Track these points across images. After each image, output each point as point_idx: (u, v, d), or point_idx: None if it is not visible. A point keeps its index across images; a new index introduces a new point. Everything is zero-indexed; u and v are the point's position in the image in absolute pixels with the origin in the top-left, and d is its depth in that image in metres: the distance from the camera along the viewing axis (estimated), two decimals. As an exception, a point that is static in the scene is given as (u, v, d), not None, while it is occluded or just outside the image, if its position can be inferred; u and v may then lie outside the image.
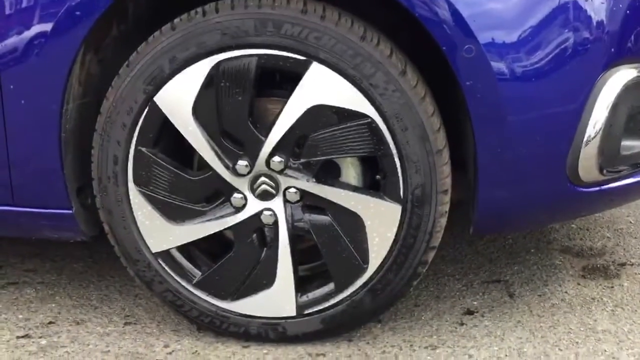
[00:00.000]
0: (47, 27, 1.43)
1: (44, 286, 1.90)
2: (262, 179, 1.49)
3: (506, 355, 1.53)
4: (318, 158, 1.45)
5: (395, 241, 1.46)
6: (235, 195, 1.50)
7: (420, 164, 1.42)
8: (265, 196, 1.49)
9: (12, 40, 1.45)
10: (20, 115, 1.50)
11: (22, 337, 1.65)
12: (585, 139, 1.45)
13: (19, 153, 1.54)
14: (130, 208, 1.52)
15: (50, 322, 1.71)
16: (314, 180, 1.46)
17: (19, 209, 1.59)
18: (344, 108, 1.41)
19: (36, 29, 1.44)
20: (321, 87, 1.40)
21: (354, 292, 1.50)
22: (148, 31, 1.47)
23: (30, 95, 1.48)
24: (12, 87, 1.48)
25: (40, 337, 1.65)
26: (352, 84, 1.39)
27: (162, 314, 1.73)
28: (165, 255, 1.55)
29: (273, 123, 1.44)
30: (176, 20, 1.43)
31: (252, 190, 1.50)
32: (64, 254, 2.06)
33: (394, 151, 1.41)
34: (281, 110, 1.43)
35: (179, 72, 1.43)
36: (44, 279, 1.94)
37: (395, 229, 1.45)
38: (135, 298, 1.82)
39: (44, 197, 1.58)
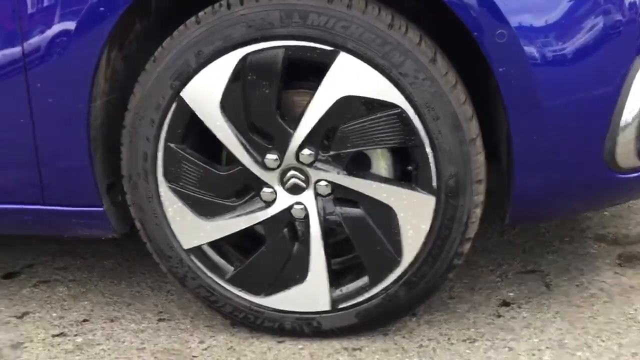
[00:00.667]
0: (72, 24, 1.38)
1: (76, 284, 1.87)
2: (292, 172, 1.43)
3: (547, 347, 1.46)
4: (348, 150, 1.38)
5: (429, 233, 1.39)
6: (265, 189, 1.45)
7: (453, 154, 1.34)
8: (295, 190, 1.44)
9: (38, 39, 1.40)
10: (49, 114, 1.46)
11: (58, 335, 1.62)
12: (622, 124, 1.37)
13: (49, 152, 1.50)
14: (161, 204, 1.47)
15: (84, 320, 1.68)
16: (345, 172, 1.40)
17: (50, 207, 1.56)
18: (373, 98, 1.34)
19: (61, 26, 1.39)
20: (349, 77, 1.34)
21: (388, 285, 1.44)
22: (171, 25, 1.42)
23: (58, 93, 1.44)
24: (39, 85, 1.44)
25: (75, 335, 1.61)
26: (381, 73, 1.32)
27: (195, 309, 1.68)
28: (197, 251, 1.50)
29: (301, 115, 1.38)
30: (201, 14, 1.38)
31: (282, 184, 1.44)
32: (94, 252, 2.02)
33: (426, 141, 1.34)
34: (309, 102, 1.37)
35: (205, 66, 1.37)
36: (76, 276, 1.91)
37: (429, 221, 1.38)
38: (168, 294, 1.78)
39: (75, 195, 1.53)
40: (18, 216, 1.58)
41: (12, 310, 1.74)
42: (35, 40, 1.41)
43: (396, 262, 1.42)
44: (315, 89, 1.38)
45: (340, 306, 1.47)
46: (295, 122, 1.39)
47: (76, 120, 1.46)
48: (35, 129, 1.48)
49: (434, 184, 1.37)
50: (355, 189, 1.41)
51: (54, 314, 1.72)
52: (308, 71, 1.43)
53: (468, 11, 1.29)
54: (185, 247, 1.50)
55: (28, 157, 1.50)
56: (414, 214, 1.39)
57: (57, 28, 1.39)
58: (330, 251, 1.47)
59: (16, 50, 1.43)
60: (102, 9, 1.37)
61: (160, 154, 1.45)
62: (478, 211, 1.40)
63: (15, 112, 1.47)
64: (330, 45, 1.33)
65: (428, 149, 1.35)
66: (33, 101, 1.46)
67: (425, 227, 1.39)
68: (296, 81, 1.43)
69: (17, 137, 1.49)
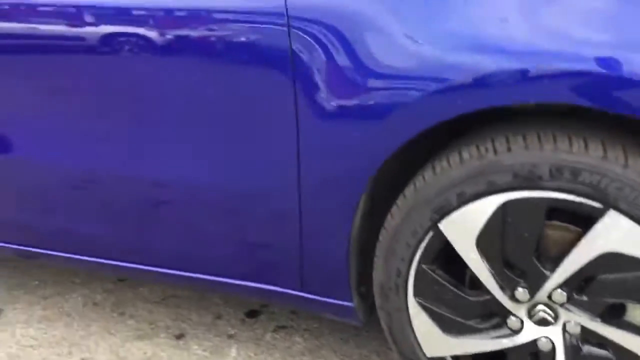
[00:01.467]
0: (354, 143, 1.39)
1: (309, 334, 1.98)
2: (541, 306, 1.39)
3: None
4: (605, 300, 1.32)
5: (684, 393, 1.31)
6: (512, 318, 1.43)
7: None
8: (542, 323, 1.40)
9: (315, 149, 1.45)
10: (317, 217, 1.53)
11: (305, 400, 1.76)
12: None
13: (312, 248, 1.58)
14: (408, 315, 1.52)
15: (324, 384, 1.81)
16: (599, 320, 1.34)
17: (306, 295, 1.67)
18: (641, 259, 1.26)
19: (340, 144, 1.42)
20: (617, 235, 1.26)
21: None
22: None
23: (329, 200, 1.50)
24: (308, 198, 1.52)
25: (320, 405, 1.75)
26: (654, 235, 1.24)
27: (424, 389, 1.74)
28: (439, 360, 1.55)
29: (559, 260, 1.33)
30: (465, 155, 1.35)
31: (530, 316, 1.41)
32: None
33: (696, 308, 1.25)
34: (569, 251, 1.31)
35: (465, 205, 1.36)
36: (308, 325, 2.02)
37: (686, 383, 1.30)
38: (393, 364, 1.85)
39: (329, 289, 1.63)
40: (278, 297, 1.72)
41: (260, 358, 1.92)
42: (311, 152, 1.45)
43: (642, 411, 1.36)
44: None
45: None
46: (551, 263, 1.35)
47: (340, 228, 1.51)
48: (302, 228, 1.57)
49: (699, 350, 1.27)
50: (607, 336, 1.35)
51: (297, 371, 1.87)
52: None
53: None
54: (428, 355, 1.54)
55: (294, 251, 1.60)
56: (670, 372, 1.31)
57: (336, 142, 1.42)
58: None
59: (292, 154, 1.48)
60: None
61: (412, 273, 1.48)
62: None
63: (288, 210, 1.55)
64: (599, 203, 1.25)
65: (697, 316, 1.25)
66: (303, 206, 1.53)
67: (680, 386, 1.31)
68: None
69: (287, 231, 1.58)
